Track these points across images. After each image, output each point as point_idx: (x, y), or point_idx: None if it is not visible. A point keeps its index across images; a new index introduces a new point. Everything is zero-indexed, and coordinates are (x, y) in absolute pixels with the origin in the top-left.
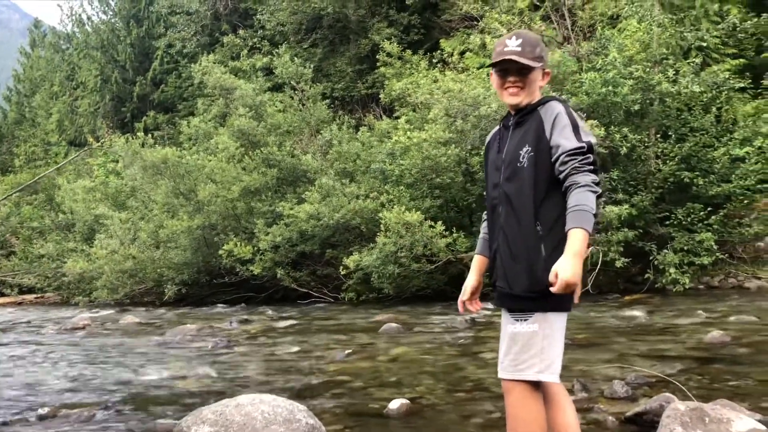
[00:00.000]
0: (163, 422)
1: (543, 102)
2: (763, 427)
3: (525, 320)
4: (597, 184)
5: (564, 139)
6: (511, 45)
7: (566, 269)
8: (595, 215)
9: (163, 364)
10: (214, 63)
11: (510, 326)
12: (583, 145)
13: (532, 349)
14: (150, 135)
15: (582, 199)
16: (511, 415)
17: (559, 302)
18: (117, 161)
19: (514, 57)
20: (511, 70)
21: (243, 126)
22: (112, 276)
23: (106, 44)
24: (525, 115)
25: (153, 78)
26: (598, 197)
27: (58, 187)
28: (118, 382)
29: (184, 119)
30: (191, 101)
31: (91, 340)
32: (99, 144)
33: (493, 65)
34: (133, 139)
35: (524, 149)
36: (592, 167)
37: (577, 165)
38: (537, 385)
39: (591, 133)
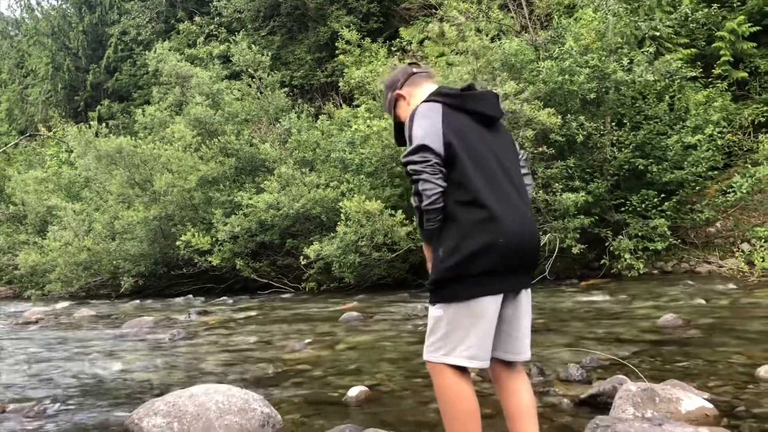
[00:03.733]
0: (117, 415)
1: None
2: (711, 406)
3: (433, 306)
4: (417, 194)
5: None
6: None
7: None
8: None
9: (118, 357)
10: (170, 50)
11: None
12: (408, 152)
13: (437, 332)
14: (104, 124)
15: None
16: (437, 396)
17: (455, 293)
18: (70, 151)
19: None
20: None
21: (200, 114)
22: (66, 269)
23: (57, 31)
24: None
25: (107, 66)
26: (417, 209)
27: (8, 178)
28: (71, 376)
29: (140, 108)
30: (147, 89)
31: (44, 334)
32: (51, 133)
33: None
34: (86, 128)
35: None
36: (414, 176)
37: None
38: (461, 369)
39: (423, 131)
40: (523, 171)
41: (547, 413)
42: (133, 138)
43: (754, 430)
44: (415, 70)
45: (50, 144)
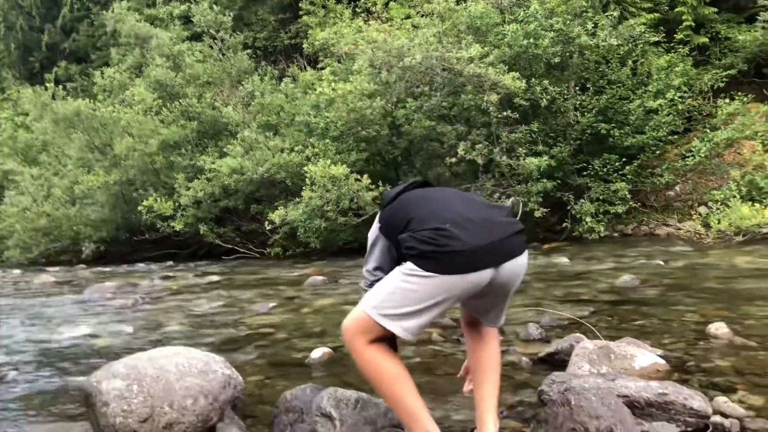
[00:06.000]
0: (78, 380)
1: None
2: (663, 362)
3: None
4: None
5: None
6: None
7: None
8: None
9: (79, 322)
10: (129, 10)
11: None
12: None
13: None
14: (62, 86)
15: None
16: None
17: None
18: (26, 114)
19: None
20: None
21: (160, 77)
22: (25, 234)
23: None
24: None
25: (63, 26)
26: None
27: None
28: (30, 342)
29: (98, 70)
30: (105, 51)
31: (2, 300)
32: (5, 96)
33: None
34: (42, 90)
35: None
36: None
37: None
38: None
39: (370, 241)
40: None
41: (507, 371)
42: (92, 101)
43: (702, 382)
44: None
45: (4, 107)
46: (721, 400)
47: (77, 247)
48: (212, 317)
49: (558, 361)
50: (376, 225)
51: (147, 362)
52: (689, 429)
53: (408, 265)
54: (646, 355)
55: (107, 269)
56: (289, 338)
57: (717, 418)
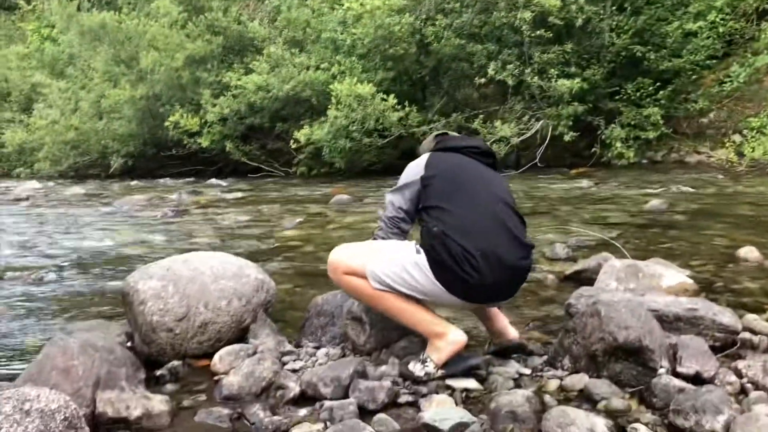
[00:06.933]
0: (111, 284)
1: None
2: (691, 281)
3: None
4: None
5: None
6: None
7: None
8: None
9: (110, 231)
10: None
11: None
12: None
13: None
14: None
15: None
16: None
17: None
18: (52, 26)
19: None
20: None
21: None
22: (54, 147)
23: None
24: None
25: None
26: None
27: None
28: (65, 248)
29: None
30: None
31: (35, 210)
32: (30, 7)
33: None
34: (68, 1)
35: None
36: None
37: None
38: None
39: (409, 175)
40: None
41: (532, 288)
42: (117, 13)
43: (731, 302)
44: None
45: (30, 19)
46: (751, 317)
47: (105, 160)
48: (240, 230)
49: (585, 279)
50: (422, 163)
51: (182, 264)
52: (717, 344)
53: (423, 261)
54: (674, 275)
55: (135, 183)
56: (316, 251)
57: (746, 335)
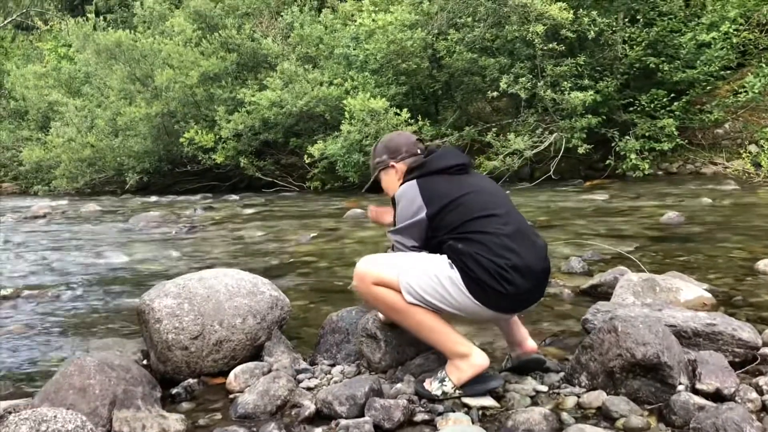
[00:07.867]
0: (127, 301)
1: None
2: (709, 295)
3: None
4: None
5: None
6: None
7: None
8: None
9: (126, 248)
10: None
11: None
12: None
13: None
14: (102, 18)
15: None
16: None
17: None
18: (69, 46)
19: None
20: None
21: (199, 7)
22: (71, 165)
23: None
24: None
25: None
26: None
27: (6, 72)
28: (81, 266)
29: (137, 0)
30: None
31: (52, 227)
32: (47, 27)
33: None
34: (84, 21)
35: None
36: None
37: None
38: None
39: (410, 212)
40: None
41: (548, 302)
42: (132, 32)
43: (750, 317)
44: (419, 150)
45: (47, 38)
46: None
47: (121, 177)
48: (255, 246)
49: (601, 293)
50: (416, 197)
51: (197, 282)
52: (737, 359)
53: (457, 276)
54: (692, 288)
55: (151, 199)
56: (330, 266)
57: (766, 350)
